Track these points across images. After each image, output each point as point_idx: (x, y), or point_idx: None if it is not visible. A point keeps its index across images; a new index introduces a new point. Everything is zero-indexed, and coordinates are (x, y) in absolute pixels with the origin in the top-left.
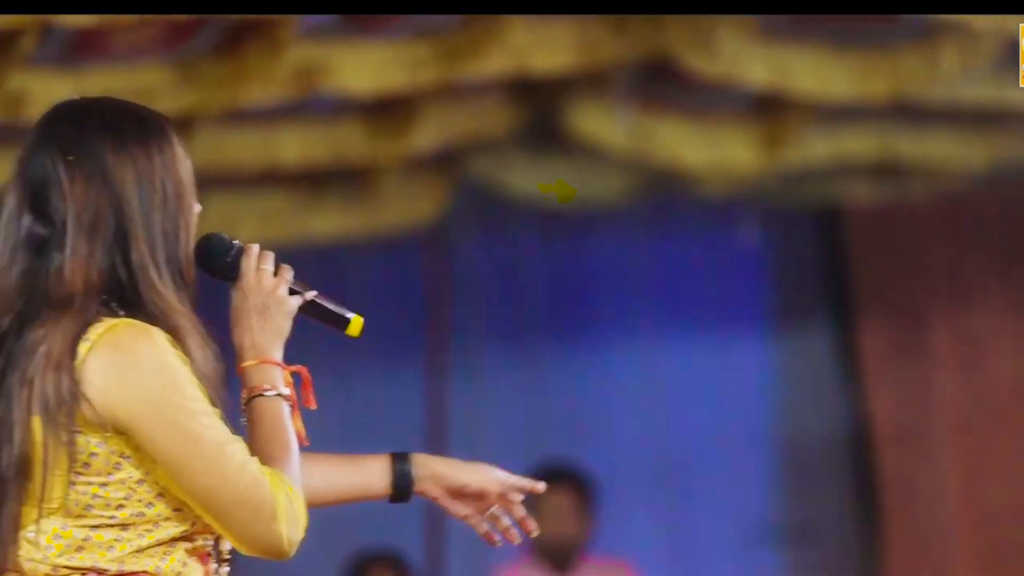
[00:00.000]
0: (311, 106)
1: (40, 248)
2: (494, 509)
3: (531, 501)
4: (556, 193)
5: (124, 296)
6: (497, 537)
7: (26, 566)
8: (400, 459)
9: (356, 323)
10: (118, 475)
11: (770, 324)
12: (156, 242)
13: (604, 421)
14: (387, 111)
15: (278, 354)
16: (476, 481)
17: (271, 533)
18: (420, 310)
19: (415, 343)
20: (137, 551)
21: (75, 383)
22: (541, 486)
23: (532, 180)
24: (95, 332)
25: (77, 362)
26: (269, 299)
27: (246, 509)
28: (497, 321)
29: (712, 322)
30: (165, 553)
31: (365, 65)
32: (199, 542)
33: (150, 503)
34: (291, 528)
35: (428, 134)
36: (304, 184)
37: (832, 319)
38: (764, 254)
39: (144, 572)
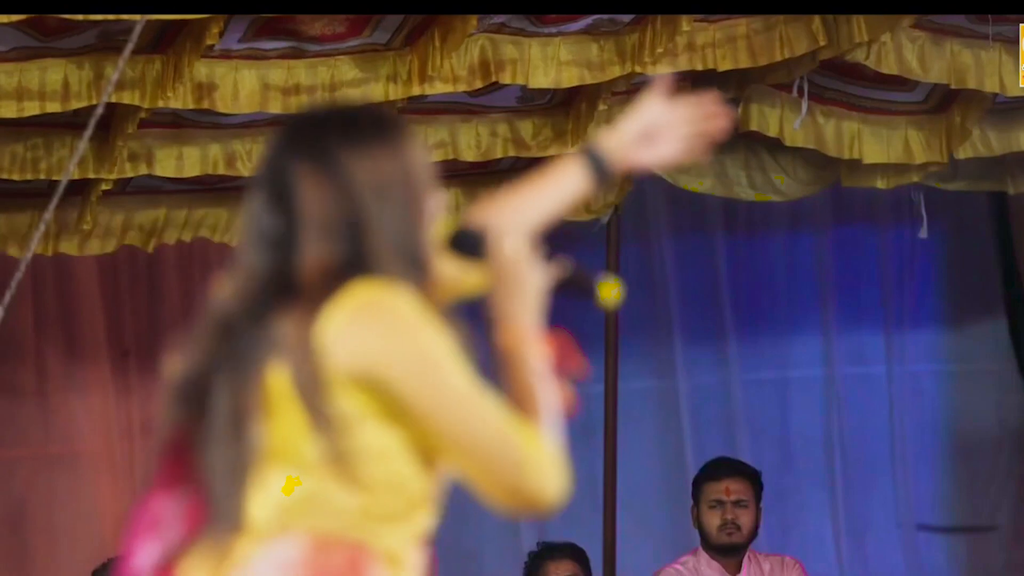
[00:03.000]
0: (488, 101)
1: (280, 244)
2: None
3: (694, 496)
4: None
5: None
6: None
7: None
8: (587, 157)
9: (606, 289)
10: (363, 437)
11: (942, 315)
12: (387, 234)
13: (777, 414)
14: (564, 110)
15: (530, 321)
16: (643, 121)
17: (530, 485)
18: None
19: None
20: (369, 520)
21: (317, 351)
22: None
23: (707, 177)
24: (335, 301)
25: (317, 330)
26: (514, 269)
27: (505, 461)
28: (663, 315)
29: (884, 313)
30: (394, 530)
31: (545, 61)
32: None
33: (395, 470)
34: (547, 481)
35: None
36: (480, 180)
37: (1005, 310)
38: (937, 246)
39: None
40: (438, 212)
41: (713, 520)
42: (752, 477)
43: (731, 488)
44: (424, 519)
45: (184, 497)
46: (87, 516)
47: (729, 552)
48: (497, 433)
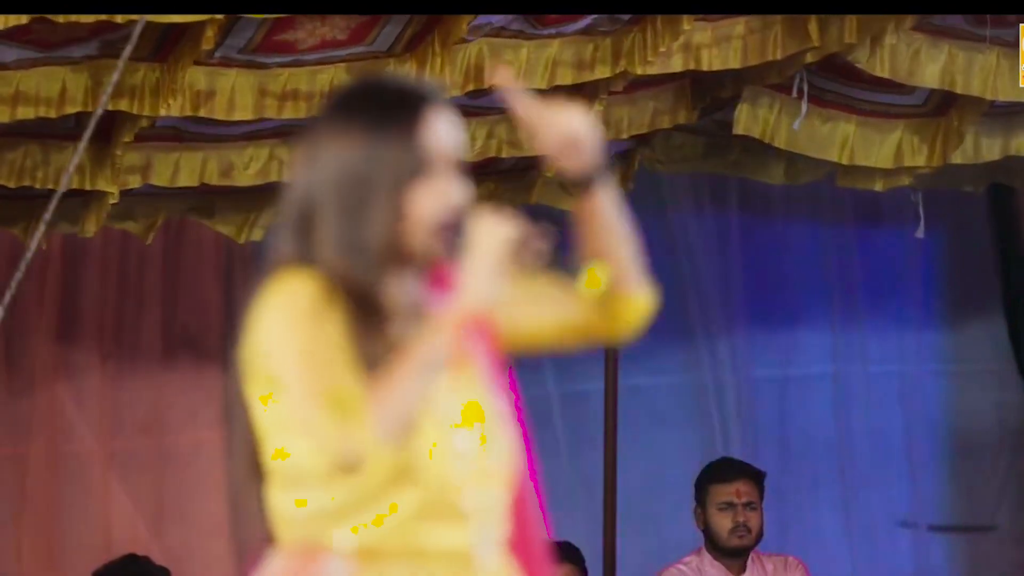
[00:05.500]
0: (485, 103)
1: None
2: None
3: (699, 497)
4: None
5: None
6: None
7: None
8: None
9: (591, 276)
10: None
11: (942, 314)
12: (335, 225)
13: (780, 412)
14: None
15: (469, 303)
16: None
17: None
18: None
19: None
20: (326, 517)
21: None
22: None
23: (703, 173)
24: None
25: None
26: (478, 249)
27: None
28: (669, 311)
29: (884, 313)
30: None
31: (538, 61)
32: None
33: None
34: (345, 445)
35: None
36: (472, 180)
37: (1004, 310)
38: (935, 245)
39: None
40: (452, 200)
41: (724, 523)
42: (758, 478)
43: (741, 490)
44: (398, 501)
45: None
46: (88, 516)
47: (738, 554)
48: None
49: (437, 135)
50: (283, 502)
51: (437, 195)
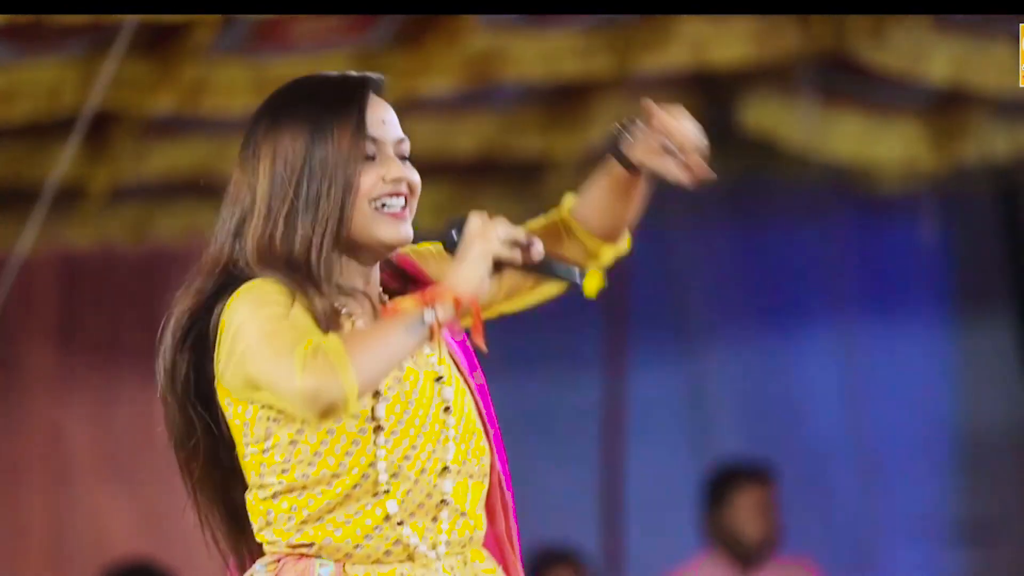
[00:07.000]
0: (488, 97)
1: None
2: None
3: (717, 498)
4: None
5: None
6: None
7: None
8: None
9: (592, 280)
10: (272, 439)
11: (949, 315)
12: (269, 221)
13: (788, 415)
14: (563, 104)
15: (458, 287)
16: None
17: (285, 384)
18: (597, 302)
19: (592, 335)
20: (307, 520)
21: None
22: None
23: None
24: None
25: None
26: (470, 245)
27: (272, 373)
28: (675, 313)
29: (892, 314)
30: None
31: (542, 55)
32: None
33: (310, 463)
34: (307, 374)
35: (605, 128)
36: (474, 175)
37: (1012, 310)
38: (943, 245)
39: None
40: (393, 175)
41: (749, 523)
42: (776, 480)
43: (765, 492)
44: (380, 504)
45: None
46: (88, 524)
47: (758, 555)
48: (266, 361)
49: (378, 120)
50: (267, 506)
51: (380, 174)
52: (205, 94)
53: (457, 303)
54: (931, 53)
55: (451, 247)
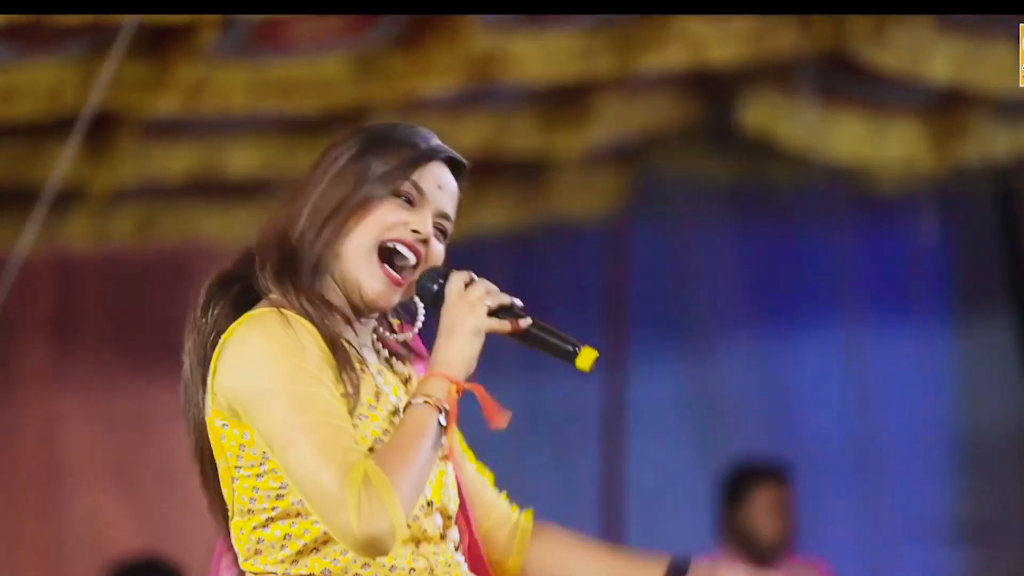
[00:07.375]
0: (488, 97)
1: None
2: None
3: (734, 496)
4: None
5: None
6: None
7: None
8: (677, 570)
9: (587, 355)
10: (269, 463)
11: (949, 315)
12: (272, 267)
13: (790, 415)
14: (563, 104)
15: (455, 370)
16: None
17: (339, 522)
18: (598, 304)
19: (593, 336)
20: (303, 551)
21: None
22: None
23: (709, 173)
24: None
25: (216, 358)
26: (458, 317)
27: (318, 495)
28: (677, 314)
29: (891, 314)
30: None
31: (542, 55)
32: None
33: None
34: (364, 522)
35: (605, 128)
36: (474, 175)
37: (1012, 310)
38: (944, 247)
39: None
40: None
41: (767, 523)
42: (792, 480)
43: (783, 492)
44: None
45: None
46: (86, 524)
47: (773, 555)
48: (308, 471)
49: (434, 181)
50: (257, 535)
51: (407, 220)
52: (205, 95)
53: (459, 390)
54: (931, 53)
55: (427, 297)
